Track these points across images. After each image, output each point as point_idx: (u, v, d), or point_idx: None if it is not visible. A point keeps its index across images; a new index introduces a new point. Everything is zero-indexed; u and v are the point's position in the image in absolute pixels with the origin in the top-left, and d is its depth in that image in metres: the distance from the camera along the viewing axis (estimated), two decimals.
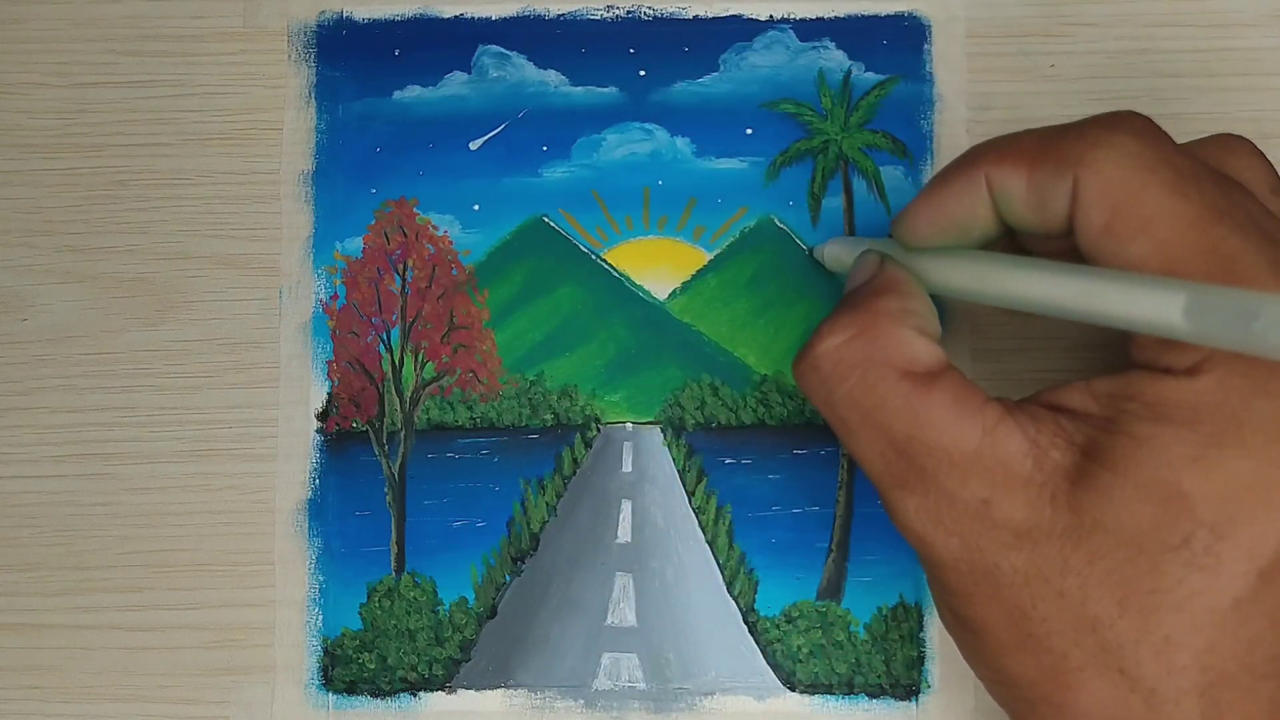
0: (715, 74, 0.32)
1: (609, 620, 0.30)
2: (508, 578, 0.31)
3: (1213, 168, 0.22)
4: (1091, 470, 0.21)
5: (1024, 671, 0.22)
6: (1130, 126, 0.22)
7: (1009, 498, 0.21)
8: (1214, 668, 0.20)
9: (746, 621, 0.30)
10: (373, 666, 0.30)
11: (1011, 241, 0.26)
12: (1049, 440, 0.22)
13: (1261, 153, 0.24)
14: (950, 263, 0.25)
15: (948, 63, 0.32)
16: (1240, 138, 0.24)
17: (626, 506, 0.31)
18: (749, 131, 0.32)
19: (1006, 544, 0.21)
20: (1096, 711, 0.21)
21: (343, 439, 0.31)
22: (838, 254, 0.29)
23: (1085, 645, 0.21)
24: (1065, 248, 0.23)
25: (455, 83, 0.32)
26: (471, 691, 0.30)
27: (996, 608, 0.22)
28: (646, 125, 0.32)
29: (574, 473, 0.31)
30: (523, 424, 0.31)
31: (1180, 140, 0.23)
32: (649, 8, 0.32)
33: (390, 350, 0.32)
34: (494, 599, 0.31)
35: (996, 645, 0.22)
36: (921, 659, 0.30)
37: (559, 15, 0.32)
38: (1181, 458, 0.20)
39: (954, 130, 0.32)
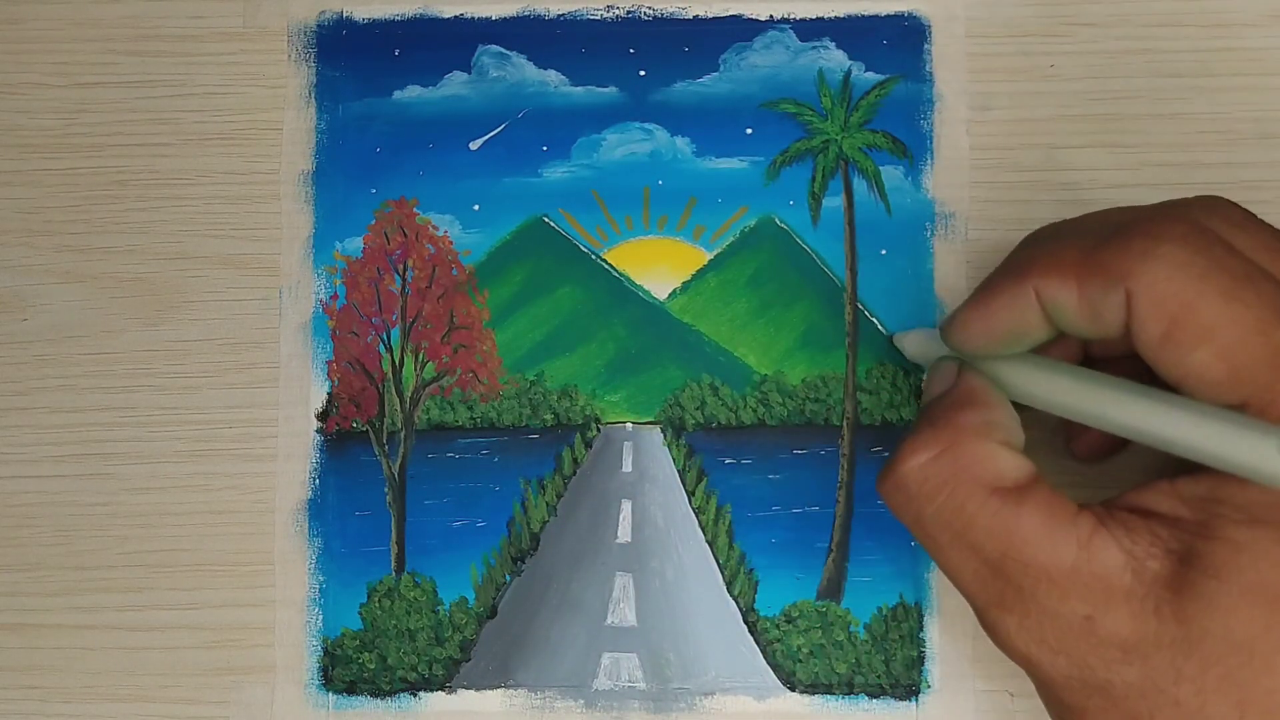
0: (715, 74, 0.32)
1: (609, 620, 0.30)
2: (508, 578, 0.31)
3: (1272, 254, 0.22)
4: (1192, 578, 0.21)
5: None
6: (1176, 233, 0.21)
7: (1112, 612, 0.21)
8: None
9: (746, 621, 0.30)
10: (373, 666, 0.30)
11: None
12: (1145, 550, 0.22)
13: (1249, 213, 0.24)
14: (1033, 375, 0.24)
15: (948, 63, 0.32)
16: (1222, 200, 0.24)
17: (626, 506, 0.31)
18: (749, 131, 0.32)
19: (1115, 659, 0.21)
20: None
21: (343, 439, 0.31)
22: (917, 345, 0.29)
23: None
24: (1127, 347, 0.23)
25: (455, 83, 0.32)
26: (471, 691, 0.30)
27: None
28: (646, 125, 0.32)
29: (574, 473, 0.31)
30: (523, 424, 0.31)
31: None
32: (649, 8, 0.32)
33: (390, 350, 0.32)
34: (494, 599, 0.31)
35: None
36: (921, 659, 0.30)
37: (559, 15, 0.32)
38: None
39: (954, 130, 0.32)
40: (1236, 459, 0.21)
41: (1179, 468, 0.22)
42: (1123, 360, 0.25)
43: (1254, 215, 0.23)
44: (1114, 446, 0.28)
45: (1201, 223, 0.22)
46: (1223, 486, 0.21)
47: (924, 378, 0.28)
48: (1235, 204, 0.23)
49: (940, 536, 0.23)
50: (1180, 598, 0.21)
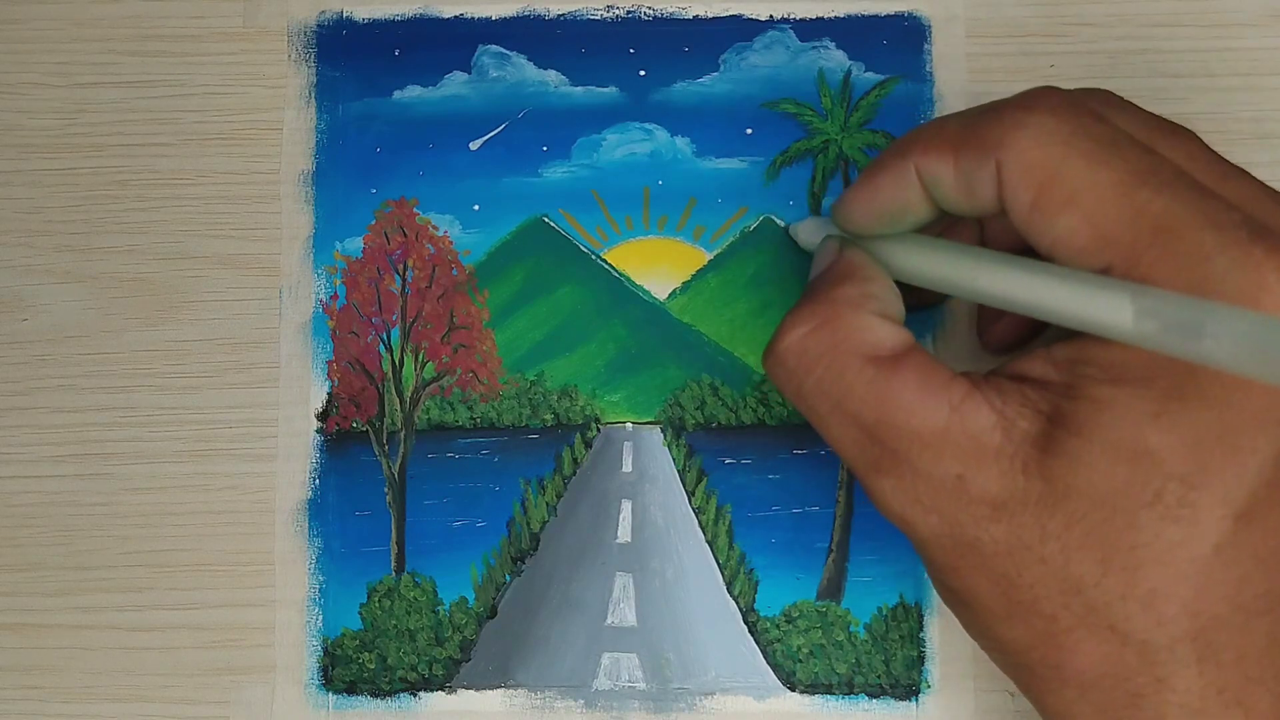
0: (715, 74, 0.32)
1: (609, 620, 0.30)
2: (508, 578, 0.31)
3: (1147, 129, 0.22)
4: (1058, 436, 0.21)
5: (1018, 638, 0.22)
6: (1046, 103, 0.22)
7: (982, 471, 0.22)
8: (1204, 612, 0.20)
9: (746, 621, 0.30)
10: (373, 666, 0.30)
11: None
12: (1015, 410, 0.22)
13: (1129, 101, 0.24)
14: (909, 250, 0.25)
15: (948, 63, 0.32)
16: (1104, 90, 0.24)
17: (626, 506, 0.31)
18: (749, 131, 0.32)
19: (985, 516, 0.22)
20: (1092, 669, 0.21)
21: (343, 439, 0.31)
22: (809, 232, 0.30)
23: (1073, 607, 0.21)
24: (1008, 225, 0.23)
25: (455, 83, 0.32)
26: (471, 691, 0.30)
27: (984, 579, 0.22)
28: (646, 125, 0.32)
29: (574, 473, 0.31)
30: (523, 424, 0.31)
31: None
32: (649, 8, 0.32)
33: (390, 350, 0.32)
34: (494, 599, 0.31)
35: (989, 615, 0.22)
36: (921, 659, 0.30)
37: (559, 15, 0.32)
38: (1143, 415, 0.20)
39: None
40: (1092, 317, 0.20)
41: (1060, 336, 0.23)
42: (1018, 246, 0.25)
43: (1134, 104, 0.24)
44: (1021, 337, 0.29)
45: (1074, 96, 0.22)
46: (1088, 348, 0.21)
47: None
48: (1116, 94, 0.24)
49: (820, 407, 0.23)
50: (1046, 456, 0.21)
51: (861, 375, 0.23)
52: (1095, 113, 0.22)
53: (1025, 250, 0.23)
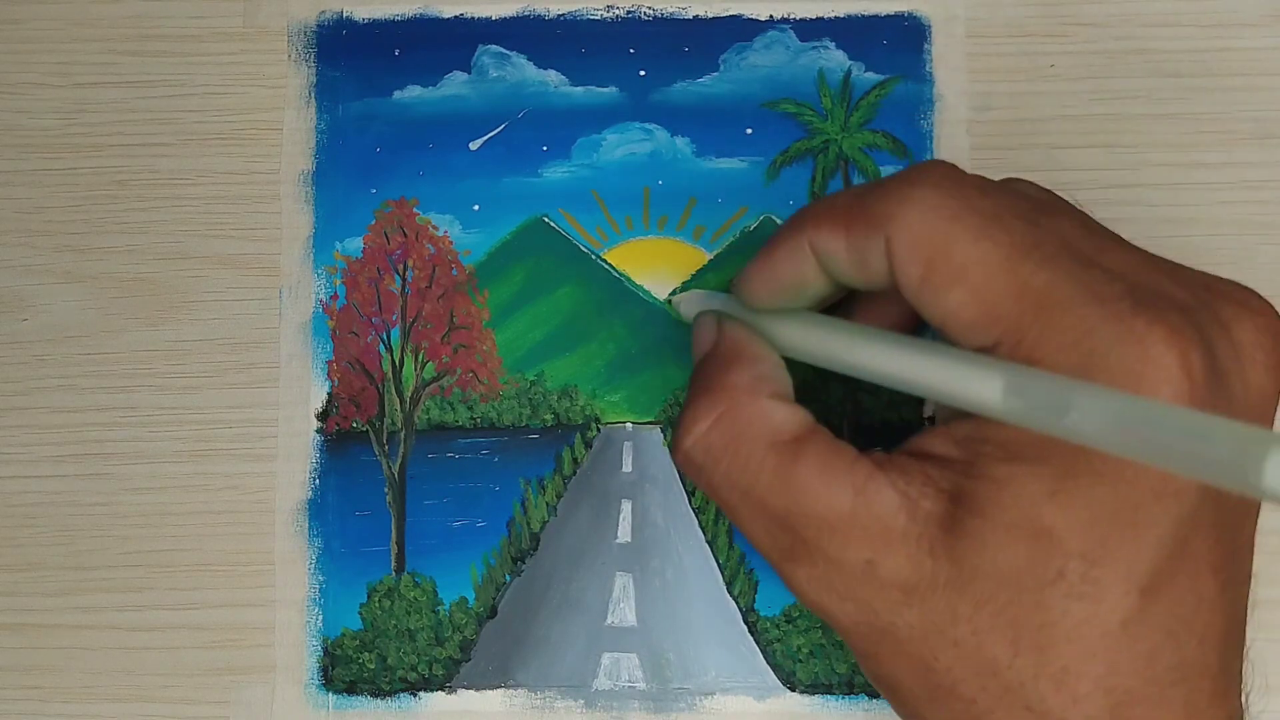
0: (715, 74, 0.32)
1: (609, 620, 0.30)
2: (508, 578, 0.31)
3: (1027, 205, 0.22)
4: (961, 516, 0.21)
5: None
6: (931, 178, 0.22)
7: (891, 555, 0.21)
8: (1118, 688, 0.20)
9: (746, 621, 0.30)
10: (373, 666, 0.30)
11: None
12: (919, 491, 0.22)
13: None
14: (788, 326, 0.25)
15: (948, 63, 0.32)
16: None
17: (626, 506, 0.31)
18: (749, 131, 0.32)
19: (897, 601, 0.21)
20: None
21: (343, 439, 0.31)
22: (691, 306, 0.29)
23: (990, 689, 0.21)
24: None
25: (455, 83, 0.32)
26: (471, 691, 0.30)
27: (902, 664, 0.22)
28: (646, 125, 0.32)
29: (574, 473, 0.31)
30: (523, 424, 0.31)
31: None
32: (649, 8, 0.32)
33: (390, 350, 0.32)
34: (494, 599, 0.31)
35: (913, 699, 0.22)
36: None
37: (559, 15, 0.32)
38: (1039, 494, 0.20)
39: (954, 130, 0.32)
40: (963, 395, 0.20)
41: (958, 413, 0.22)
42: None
43: (1021, 179, 0.24)
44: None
45: (959, 171, 0.22)
46: (985, 425, 0.21)
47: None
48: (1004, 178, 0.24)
49: (731, 499, 0.23)
50: (952, 537, 0.21)
51: (765, 464, 0.23)
52: (980, 186, 0.22)
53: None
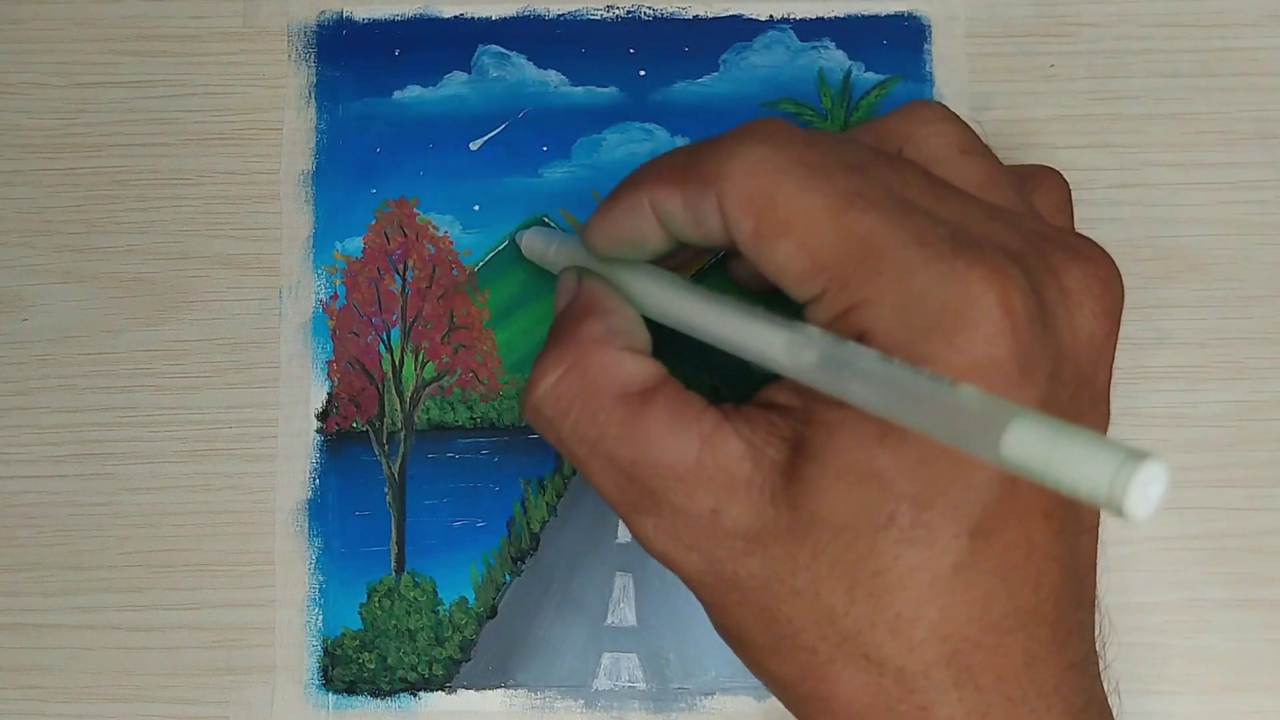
0: (715, 74, 0.32)
1: (609, 620, 0.30)
2: (508, 578, 0.31)
3: (860, 156, 0.22)
4: (798, 463, 0.21)
5: (787, 672, 0.22)
6: (759, 134, 0.22)
7: (734, 504, 0.21)
8: (954, 635, 0.20)
9: None
10: (373, 666, 0.30)
11: None
12: (763, 439, 0.22)
13: (952, 114, 0.24)
14: (636, 279, 0.25)
15: (948, 63, 0.32)
16: (926, 103, 0.24)
17: None
18: None
19: (741, 550, 0.21)
20: (857, 700, 0.21)
21: (343, 439, 0.31)
22: (533, 242, 0.30)
23: (830, 638, 0.21)
24: None
25: (455, 83, 0.32)
26: (471, 691, 0.30)
27: (748, 614, 0.22)
28: (646, 125, 0.32)
29: (574, 473, 0.31)
30: (523, 424, 0.31)
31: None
32: (649, 8, 0.32)
33: (390, 350, 0.32)
34: (494, 599, 0.31)
35: (758, 650, 0.22)
36: None
37: (559, 15, 0.32)
38: (869, 436, 0.20)
39: None
40: (759, 353, 0.21)
41: None
42: None
43: (859, 140, 0.24)
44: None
45: (789, 125, 0.22)
46: None
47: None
48: (848, 132, 0.24)
49: (579, 451, 0.23)
50: (791, 485, 0.21)
51: (613, 415, 0.23)
52: (808, 140, 0.22)
53: None
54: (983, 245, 0.20)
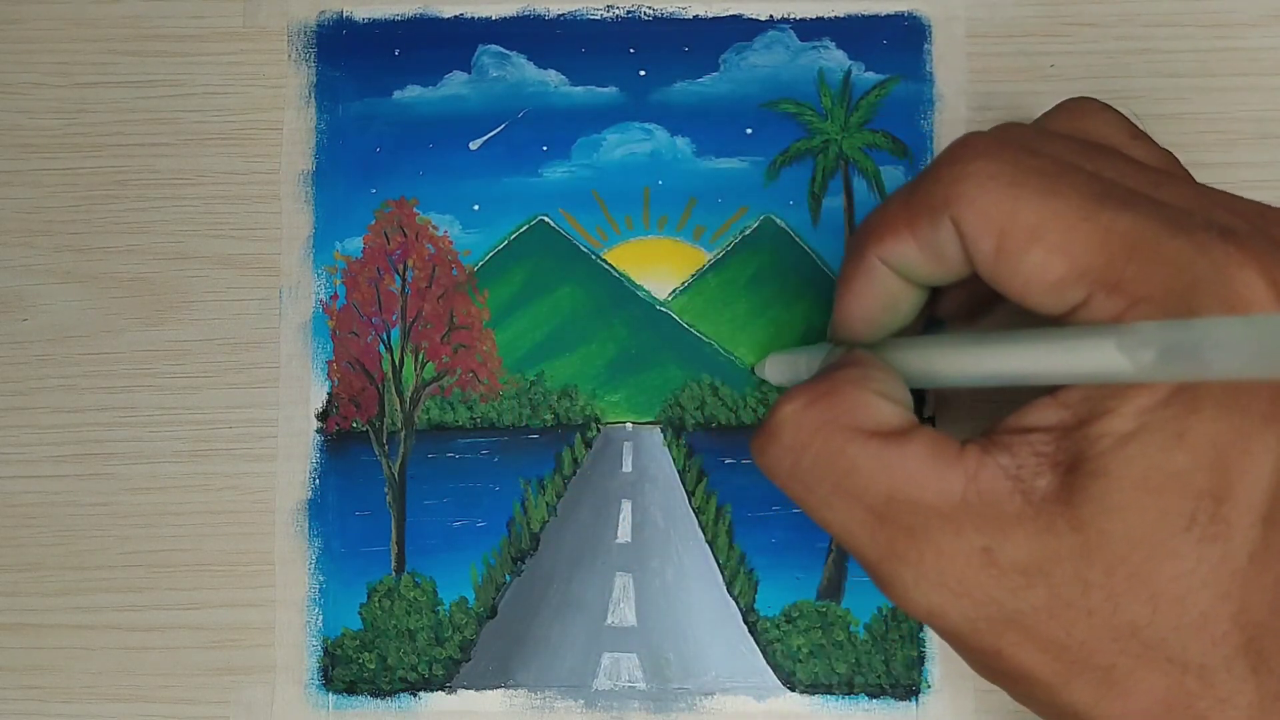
0: (715, 74, 0.32)
1: (609, 620, 0.30)
2: (508, 578, 0.31)
3: (1074, 153, 0.21)
4: (1081, 484, 0.20)
5: (1081, 698, 0.21)
6: (974, 149, 0.21)
7: (1009, 539, 0.21)
8: (1251, 623, 0.20)
9: (746, 621, 0.30)
10: (373, 666, 0.30)
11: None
12: (1031, 470, 0.21)
13: (1109, 106, 0.24)
14: (900, 352, 0.24)
15: (948, 63, 0.32)
16: (1083, 98, 0.24)
17: (626, 506, 0.31)
18: (749, 131, 0.32)
19: (1021, 585, 0.21)
20: (1156, 704, 0.21)
21: (343, 439, 0.31)
22: (781, 369, 0.29)
23: (1130, 650, 0.20)
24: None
25: (455, 83, 0.32)
26: (471, 691, 0.30)
27: (1030, 651, 0.21)
28: (646, 125, 0.32)
29: (574, 473, 0.31)
30: (523, 424, 0.31)
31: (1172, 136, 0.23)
32: (649, 8, 0.32)
33: (390, 350, 0.32)
34: (494, 599, 0.31)
35: (1047, 686, 0.21)
36: (921, 659, 0.30)
37: (559, 15, 0.32)
38: (1169, 438, 0.20)
39: (954, 130, 0.32)
40: (1085, 370, 0.20)
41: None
42: None
43: (1047, 130, 0.23)
44: (974, 303, 0.27)
45: (999, 136, 0.22)
46: (1098, 385, 0.21)
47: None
48: (1027, 125, 0.23)
49: (820, 487, 0.22)
50: (1071, 507, 0.20)
51: (866, 449, 0.21)
52: (1025, 146, 0.21)
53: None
54: (1238, 231, 0.20)
